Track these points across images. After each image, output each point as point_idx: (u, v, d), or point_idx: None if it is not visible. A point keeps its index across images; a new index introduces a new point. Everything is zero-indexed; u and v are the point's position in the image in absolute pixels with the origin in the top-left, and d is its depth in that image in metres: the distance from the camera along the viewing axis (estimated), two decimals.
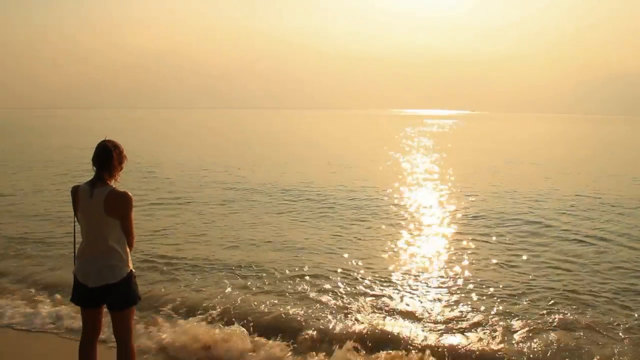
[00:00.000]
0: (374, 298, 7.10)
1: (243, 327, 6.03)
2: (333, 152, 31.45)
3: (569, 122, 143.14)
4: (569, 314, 6.59)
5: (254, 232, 10.83)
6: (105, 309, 4.14)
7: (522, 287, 7.59)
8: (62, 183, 16.68)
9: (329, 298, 7.05)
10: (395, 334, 6.03)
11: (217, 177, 19.35)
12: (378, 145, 40.24)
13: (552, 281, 7.88)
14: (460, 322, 6.35)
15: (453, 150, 36.39)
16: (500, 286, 7.57)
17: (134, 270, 4.12)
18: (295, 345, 5.72)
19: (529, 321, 6.35)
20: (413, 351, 5.61)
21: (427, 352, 5.58)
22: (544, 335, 6.00)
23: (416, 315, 6.57)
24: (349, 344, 5.64)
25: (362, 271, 8.22)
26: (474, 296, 7.20)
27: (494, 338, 5.94)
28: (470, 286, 7.58)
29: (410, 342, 5.83)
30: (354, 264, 8.60)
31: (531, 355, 5.58)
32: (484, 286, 7.56)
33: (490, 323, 6.31)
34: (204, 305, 6.73)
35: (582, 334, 6.09)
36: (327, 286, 7.49)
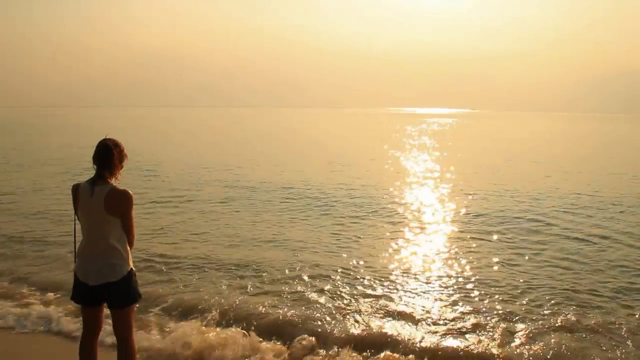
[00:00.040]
0: (373, 299, 7.04)
1: (241, 329, 5.95)
2: (333, 150, 31.44)
3: (569, 121, 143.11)
4: (570, 314, 6.51)
5: (253, 231, 10.82)
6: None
7: (523, 286, 7.57)
8: (63, 182, 16.69)
9: (328, 299, 6.98)
10: (395, 336, 5.93)
11: (217, 175, 19.35)
12: (378, 143, 40.23)
13: (554, 280, 7.86)
14: (460, 323, 6.28)
15: (453, 148, 36.38)
16: (501, 286, 7.54)
17: (134, 268, 4.11)
18: (292, 348, 5.60)
19: (530, 322, 6.27)
20: (411, 354, 5.52)
21: (427, 354, 5.53)
22: (545, 337, 5.91)
23: (416, 316, 6.49)
24: (347, 346, 5.58)
25: (361, 271, 8.19)
26: (475, 296, 7.15)
27: (494, 340, 5.85)
28: (471, 286, 7.55)
29: (409, 344, 5.74)
30: (354, 263, 8.58)
31: (531, 359, 5.49)
32: (484, 286, 7.53)
33: (491, 324, 6.22)
34: (200, 306, 6.61)
35: (583, 335, 6.00)
36: (326, 287, 7.43)
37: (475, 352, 5.61)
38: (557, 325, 6.22)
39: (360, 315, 6.51)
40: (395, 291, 7.34)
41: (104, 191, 3.90)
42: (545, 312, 6.62)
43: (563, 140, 51.47)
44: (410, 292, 7.35)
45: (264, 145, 35.44)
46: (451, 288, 7.50)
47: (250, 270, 8.16)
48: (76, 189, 4.00)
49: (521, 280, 7.79)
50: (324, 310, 6.63)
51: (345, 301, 6.93)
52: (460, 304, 6.88)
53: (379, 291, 7.32)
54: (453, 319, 6.41)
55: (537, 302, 6.94)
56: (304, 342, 5.69)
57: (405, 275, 8.06)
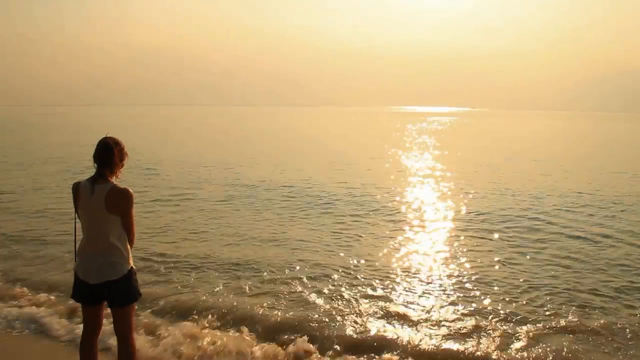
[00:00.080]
0: (372, 299, 6.97)
1: (236, 331, 5.89)
2: (334, 149, 31.44)
3: (569, 119, 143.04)
4: (571, 315, 6.46)
5: (253, 230, 10.81)
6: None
7: (524, 285, 7.54)
8: (63, 180, 16.70)
9: (327, 300, 6.91)
10: (393, 338, 5.85)
11: (217, 174, 19.36)
12: (379, 142, 40.24)
13: (555, 279, 7.83)
14: (460, 325, 6.19)
15: (453, 147, 36.35)
16: (502, 285, 7.52)
17: (134, 267, 4.11)
18: (288, 351, 5.50)
19: (531, 323, 6.20)
20: (410, 357, 5.47)
21: (426, 356, 5.49)
22: (547, 339, 5.84)
23: (415, 317, 6.42)
24: (345, 349, 5.53)
25: (361, 270, 8.16)
26: (475, 296, 7.09)
27: (494, 341, 5.77)
28: (472, 286, 7.50)
29: (408, 346, 5.67)
30: (354, 262, 8.55)
31: None
32: (485, 285, 7.50)
33: (492, 325, 6.14)
34: (196, 308, 6.51)
35: (585, 336, 5.92)
36: (326, 287, 7.37)
37: (475, 354, 5.53)
38: (558, 326, 6.16)
39: (359, 316, 6.43)
40: (395, 291, 7.30)
41: (104, 189, 3.90)
42: (547, 313, 6.57)
43: (563, 138, 51.46)
44: (410, 292, 7.31)
45: (264, 144, 35.44)
46: (451, 288, 7.47)
47: (250, 270, 8.12)
48: (76, 188, 4.00)
49: (522, 280, 7.77)
50: (322, 311, 6.55)
51: (344, 302, 6.87)
52: (461, 304, 6.82)
53: (379, 292, 7.26)
54: (453, 320, 6.34)
55: (538, 302, 6.91)
56: (300, 345, 5.58)
57: (405, 274, 8.03)
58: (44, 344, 5.71)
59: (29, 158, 24.00)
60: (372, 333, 5.99)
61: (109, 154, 3.95)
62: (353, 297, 7.02)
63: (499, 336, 5.89)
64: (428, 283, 7.68)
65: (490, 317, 6.41)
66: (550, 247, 9.60)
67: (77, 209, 4.01)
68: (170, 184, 16.67)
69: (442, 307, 6.77)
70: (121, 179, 4.07)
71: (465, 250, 9.42)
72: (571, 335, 5.96)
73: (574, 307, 6.72)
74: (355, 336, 5.91)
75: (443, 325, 6.20)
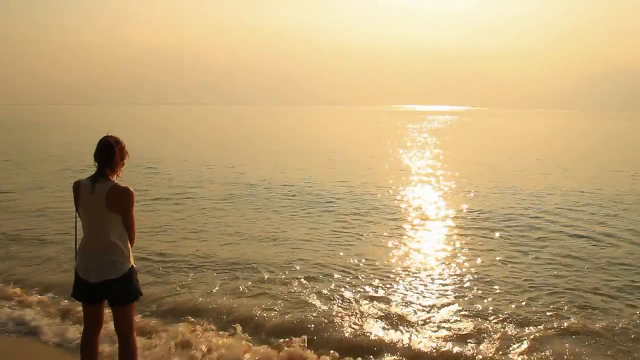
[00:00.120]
0: (372, 300, 6.86)
1: (232, 333, 5.80)
2: (334, 148, 31.43)
3: (569, 118, 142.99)
4: (572, 315, 6.41)
5: (254, 229, 10.80)
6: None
7: (525, 285, 7.51)
8: (63, 179, 16.69)
9: (326, 300, 6.81)
10: (393, 340, 5.76)
11: (218, 173, 19.36)
12: (379, 141, 40.22)
13: (556, 279, 7.80)
14: (461, 326, 6.11)
15: (454, 146, 36.36)
16: (503, 285, 7.48)
17: (135, 266, 4.11)
18: (283, 353, 5.40)
19: (531, 324, 6.13)
20: None
21: (426, 358, 5.43)
22: (548, 341, 5.76)
23: (415, 318, 6.33)
24: (344, 351, 5.45)
25: (361, 270, 8.10)
26: (476, 297, 7.03)
27: (495, 343, 5.67)
28: (473, 286, 7.45)
29: (408, 348, 5.59)
30: (354, 262, 8.50)
31: None
32: (485, 285, 7.46)
33: (492, 327, 6.05)
34: (193, 309, 6.45)
35: (587, 337, 5.84)
36: (325, 287, 7.29)
37: (475, 357, 5.45)
38: (559, 327, 6.08)
39: (358, 318, 6.33)
40: (395, 292, 7.22)
41: (105, 188, 3.90)
42: (548, 313, 6.50)
43: (563, 137, 51.46)
44: (410, 292, 7.25)
45: (265, 143, 35.41)
46: (452, 287, 7.42)
47: (249, 270, 8.04)
48: (77, 186, 3.99)
49: (523, 279, 7.75)
50: (320, 312, 6.45)
51: (343, 303, 6.77)
52: (461, 304, 6.77)
53: (379, 292, 7.17)
54: (454, 321, 6.26)
55: (539, 302, 6.87)
56: (297, 347, 5.50)
57: (405, 274, 7.99)
58: (32, 347, 5.61)
59: (29, 157, 24.01)
60: (371, 335, 5.90)
61: (110, 152, 3.95)
62: (353, 298, 6.94)
63: (499, 337, 5.82)
64: (428, 283, 7.64)
65: (490, 317, 6.35)
66: (551, 246, 9.58)
67: (78, 207, 4.01)
68: (170, 183, 16.68)
69: (442, 307, 6.71)
70: (122, 177, 4.07)
71: (465, 249, 9.41)
72: (573, 337, 5.90)
73: (575, 307, 6.69)
74: (353, 338, 5.82)
75: (443, 327, 6.13)
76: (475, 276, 7.85)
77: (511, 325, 6.14)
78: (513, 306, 6.72)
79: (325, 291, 7.16)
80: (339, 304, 6.74)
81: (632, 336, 5.92)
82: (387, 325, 6.15)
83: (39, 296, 6.85)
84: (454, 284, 7.60)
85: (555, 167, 22.74)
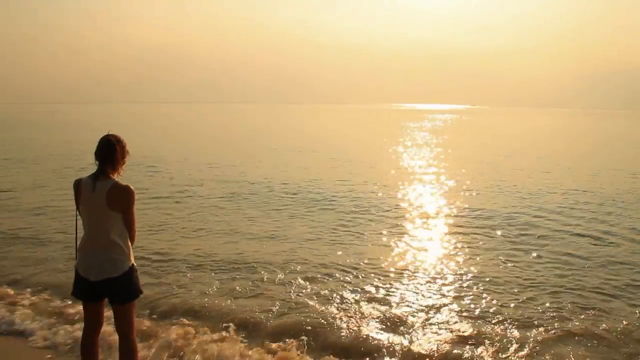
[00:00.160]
0: (372, 301, 6.80)
1: (228, 334, 5.75)
2: (334, 147, 31.42)
3: (569, 117, 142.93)
4: (573, 315, 6.37)
5: (253, 228, 10.79)
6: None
7: (526, 284, 7.49)
8: (63, 178, 16.69)
9: (325, 301, 6.74)
10: (392, 341, 5.69)
11: (218, 171, 19.36)
12: (379, 140, 40.22)
13: (557, 278, 7.79)
14: (461, 327, 6.06)
15: (454, 144, 36.35)
16: (502, 284, 7.47)
17: (135, 264, 4.10)
18: (278, 356, 5.35)
19: (532, 324, 6.09)
20: None
21: None
22: (549, 340, 5.72)
23: (415, 318, 6.27)
24: (342, 353, 5.40)
25: (361, 269, 8.07)
26: (476, 296, 6.99)
27: (495, 345, 5.62)
28: (473, 286, 7.41)
29: (407, 350, 5.55)
30: (355, 261, 8.47)
31: None
32: (485, 284, 7.44)
33: (493, 328, 6.00)
34: (191, 310, 6.39)
35: (588, 337, 5.81)
36: (324, 288, 7.22)
37: (475, 358, 5.41)
38: (561, 328, 6.04)
39: (357, 319, 6.25)
40: (395, 292, 7.15)
41: (106, 186, 3.89)
42: (548, 312, 6.48)
43: (563, 136, 51.44)
44: (409, 292, 7.20)
45: (265, 142, 35.41)
46: (452, 287, 7.39)
47: (248, 269, 7.99)
48: (78, 184, 3.99)
49: (523, 278, 7.74)
50: (319, 314, 6.37)
51: (342, 304, 6.69)
52: (461, 304, 6.73)
53: (379, 292, 7.12)
54: (454, 322, 6.21)
55: (540, 301, 6.84)
56: (293, 349, 5.45)
57: (405, 273, 7.95)
58: (20, 348, 5.50)
59: (29, 155, 24.00)
60: (370, 337, 5.81)
61: (110, 150, 3.95)
62: (352, 299, 6.88)
63: (499, 338, 5.78)
64: (428, 282, 7.60)
65: (490, 317, 6.32)
66: (552, 245, 9.57)
67: (79, 205, 4.01)
68: (170, 182, 16.68)
69: (442, 307, 6.66)
70: (123, 176, 4.07)
71: (466, 248, 9.40)
72: (574, 337, 5.86)
73: (576, 307, 6.67)
74: (352, 341, 5.73)
75: (443, 328, 6.08)
76: (475, 275, 7.84)
77: (512, 325, 6.10)
78: (513, 306, 6.71)
79: (324, 292, 7.10)
80: (338, 305, 6.67)
81: (633, 336, 5.90)
82: (387, 327, 6.07)
83: (32, 297, 6.71)
84: (454, 283, 7.57)
85: (556, 165, 22.74)
